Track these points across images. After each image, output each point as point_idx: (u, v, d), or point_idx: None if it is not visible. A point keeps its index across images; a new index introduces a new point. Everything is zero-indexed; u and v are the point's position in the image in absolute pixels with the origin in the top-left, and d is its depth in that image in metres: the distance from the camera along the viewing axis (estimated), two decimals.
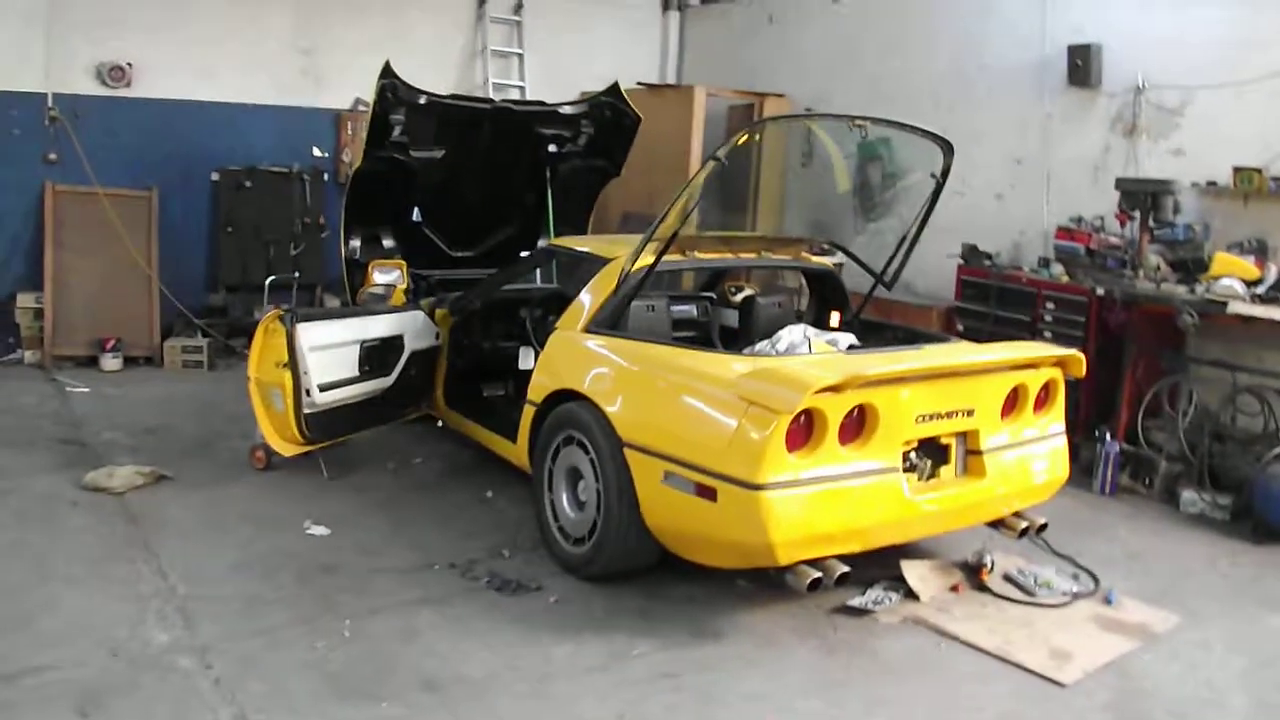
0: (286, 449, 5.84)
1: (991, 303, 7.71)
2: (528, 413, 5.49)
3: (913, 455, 4.77)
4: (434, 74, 9.27)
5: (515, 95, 10.03)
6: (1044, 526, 5.30)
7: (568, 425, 5.16)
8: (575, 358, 5.31)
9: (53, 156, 8.50)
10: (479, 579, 5.08)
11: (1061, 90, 7.91)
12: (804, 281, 6.63)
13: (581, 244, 6.25)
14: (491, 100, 8.11)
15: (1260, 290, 6.39)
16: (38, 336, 8.50)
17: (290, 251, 9.15)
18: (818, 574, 4.44)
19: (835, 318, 6.28)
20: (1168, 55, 7.28)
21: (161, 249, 8.77)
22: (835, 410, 4.37)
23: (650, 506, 4.72)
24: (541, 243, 7.79)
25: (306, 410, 5.72)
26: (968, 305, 7.91)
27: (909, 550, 5.34)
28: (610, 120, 8.02)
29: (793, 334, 5.72)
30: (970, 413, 4.84)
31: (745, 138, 5.00)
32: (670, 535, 4.75)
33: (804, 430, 4.37)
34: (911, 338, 5.84)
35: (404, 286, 7.04)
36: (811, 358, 4.85)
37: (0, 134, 8.42)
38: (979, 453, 4.93)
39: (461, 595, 4.92)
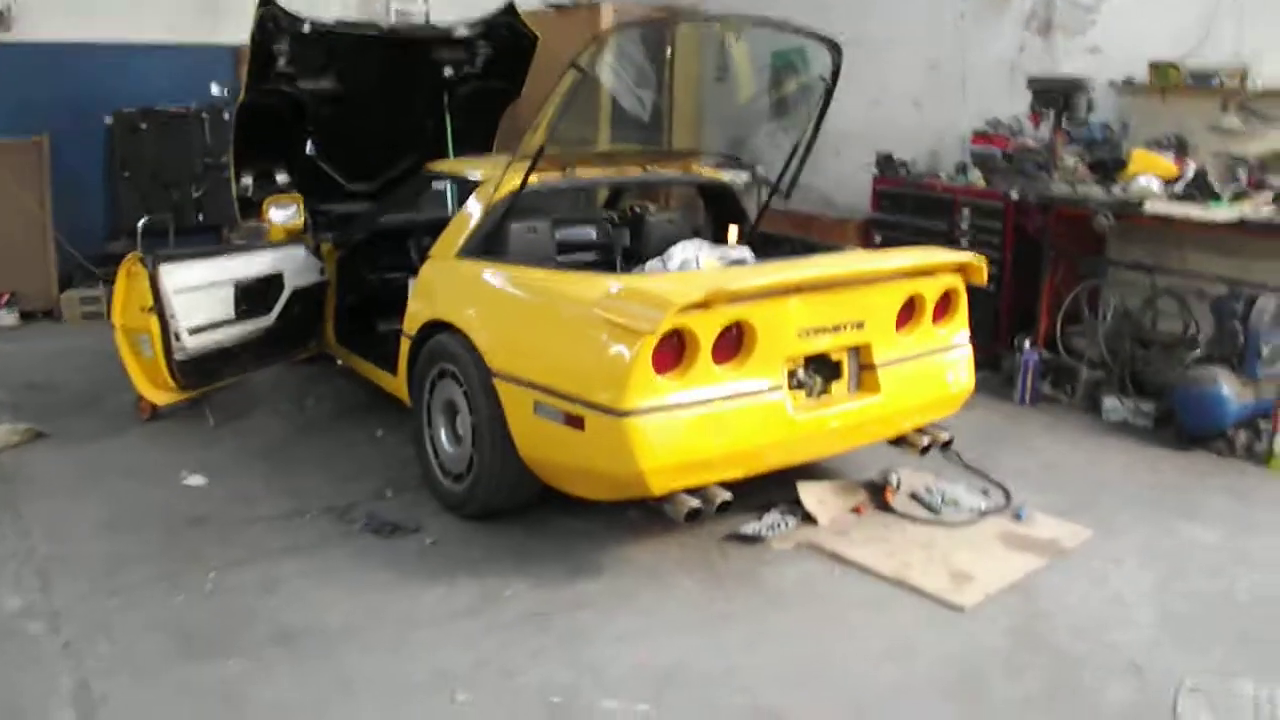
0: (161, 397, 5.44)
1: (907, 212, 7.33)
2: (404, 345, 5.11)
3: (800, 373, 4.41)
4: (334, 3, 8.70)
5: (419, 20, 9.45)
6: (949, 443, 4.97)
7: (441, 358, 4.78)
8: (446, 286, 4.92)
9: None
10: (355, 523, 4.77)
11: None
12: (699, 197, 6.18)
13: (460, 166, 5.80)
14: (379, 26, 7.57)
15: (1178, 188, 6.01)
16: None
17: (192, 193, 8.64)
18: (696, 503, 4.09)
19: (733, 232, 5.87)
20: None
21: (57, 198, 8.25)
22: (706, 328, 3.99)
23: (523, 439, 4.37)
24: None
25: (178, 356, 5.31)
26: (884, 216, 7.53)
27: (810, 471, 5.01)
28: (508, 41, 7.49)
29: (685, 250, 5.32)
30: (860, 325, 4.47)
31: (595, 46, 4.55)
32: (545, 468, 4.40)
33: (674, 351, 4.00)
34: (809, 249, 5.44)
35: (300, 221, 6.58)
36: (680, 274, 4.46)
37: None
38: (872, 367, 4.57)
39: (334, 541, 4.61)
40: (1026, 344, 6.46)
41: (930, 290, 4.70)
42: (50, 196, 8.17)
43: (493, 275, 4.72)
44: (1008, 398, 6.52)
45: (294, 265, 5.88)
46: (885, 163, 7.55)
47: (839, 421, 4.47)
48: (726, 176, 6.19)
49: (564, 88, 4.54)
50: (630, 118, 6.85)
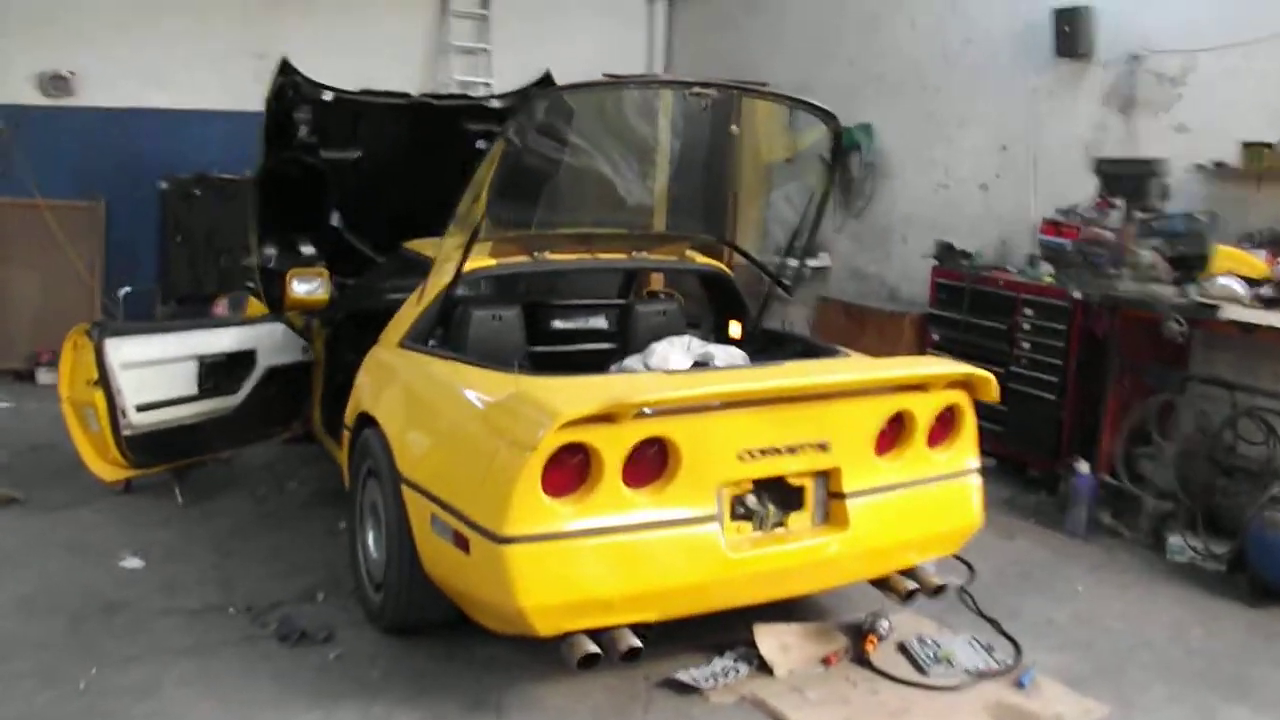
0: (108, 473, 5.14)
1: (966, 309, 6.50)
2: (344, 439, 4.63)
3: (750, 500, 3.72)
4: (397, 74, 8.50)
5: (483, 92, 9.18)
6: (940, 589, 4.16)
7: (366, 454, 4.31)
8: (375, 377, 4.47)
9: None
10: (268, 625, 4.33)
11: (1049, 62, 6.66)
12: (702, 286, 5.54)
13: (427, 246, 5.34)
14: (408, 94, 7.27)
15: (1266, 291, 5.06)
16: None
17: (242, 261, 8.48)
18: (593, 648, 3.44)
19: (736, 327, 5.22)
20: (1167, 14, 5.97)
21: (111, 260, 8.27)
22: (613, 446, 3.40)
23: (424, 554, 3.86)
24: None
25: (125, 432, 4.98)
26: (941, 312, 6.72)
27: (781, 609, 4.23)
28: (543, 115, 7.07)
29: (671, 346, 4.70)
30: (823, 447, 3.77)
31: (524, 114, 4.12)
32: (445, 588, 3.85)
33: (576, 470, 3.39)
34: (809, 352, 4.74)
35: (325, 295, 6.27)
36: (589, 380, 3.85)
37: None
38: (841, 496, 3.84)
39: (237, 645, 4.19)
40: (1083, 467, 5.54)
41: (923, 407, 3.96)
42: (102, 259, 8.16)
43: (409, 368, 4.25)
44: (1061, 526, 5.60)
45: (270, 343, 5.54)
46: (945, 252, 6.78)
47: (795, 560, 3.76)
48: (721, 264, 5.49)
49: (494, 157, 4.06)
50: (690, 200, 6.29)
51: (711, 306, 5.40)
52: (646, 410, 3.38)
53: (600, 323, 5.43)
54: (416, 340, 4.48)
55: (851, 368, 4.22)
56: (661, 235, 5.22)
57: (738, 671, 3.97)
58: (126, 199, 8.41)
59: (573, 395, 3.38)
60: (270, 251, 6.77)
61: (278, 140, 6.27)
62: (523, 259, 4.75)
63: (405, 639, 4.16)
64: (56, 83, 8.19)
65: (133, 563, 4.87)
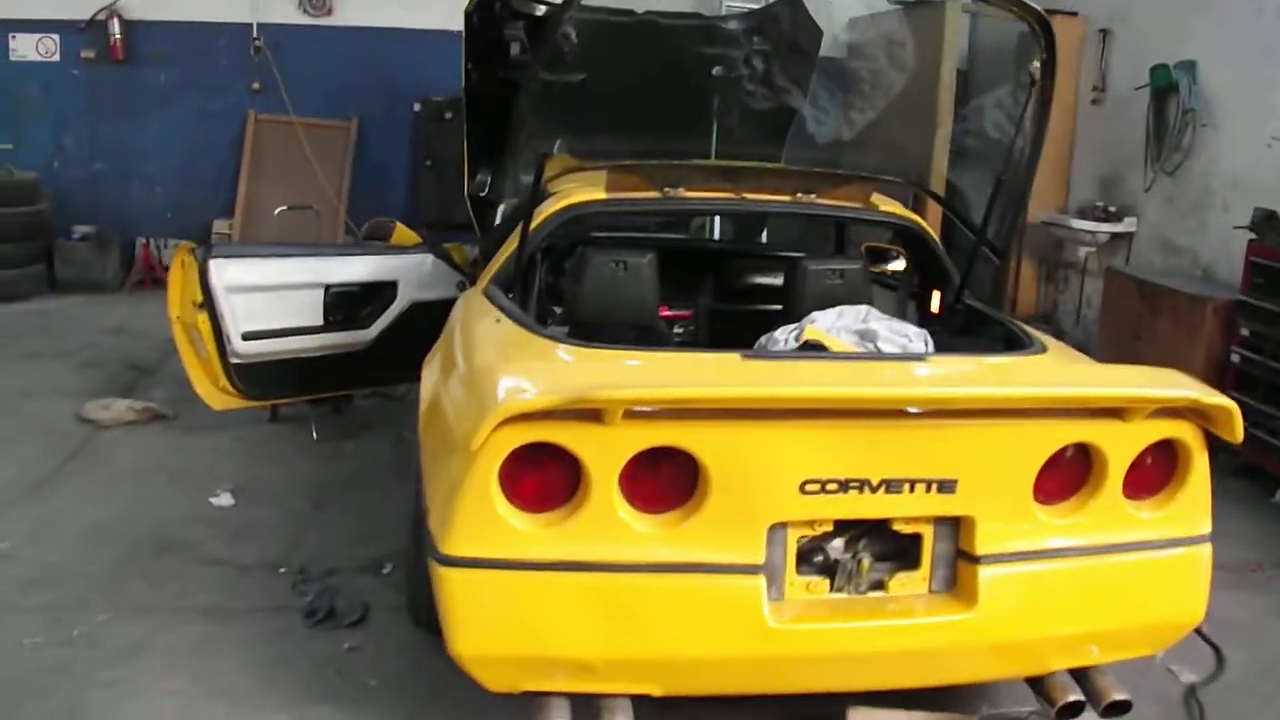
0: (218, 400, 4.68)
1: None
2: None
3: (833, 547, 2.56)
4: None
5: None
6: (1121, 705, 2.74)
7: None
8: (448, 324, 3.62)
9: (256, 86, 8.10)
10: (305, 595, 3.71)
11: None
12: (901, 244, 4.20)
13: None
14: (631, 11, 6.33)
15: None
16: None
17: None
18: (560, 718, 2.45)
19: (936, 299, 3.91)
20: None
21: (360, 182, 8.09)
22: (604, 453, 2.36)
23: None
24: None
25: (232, 360, 4.50)
26: (1256, 301, 4.90)
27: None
28: (787, 36, 5.91)
29: (837, 317, 3.52)
30: (947, 487, 2.50)
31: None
32: None
33: (561, 480, 2.40)
34: (1011, 343, 3.38)
35: None
36: (631, 359, 2.77)
37: (209, 64, 8.12)
38: (974, 559, 2.56)
39: (259, 614, 3.63)
40: None
41: (1117, 442, 2.57)
42: (349, 180, 7.97)
43: (464, 318, 3.39)
44: None
45: (416, 275, 4.85)
46: (1267, 223, 4.92)
47: (888, 642, 2.56)
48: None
49: None
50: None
51: (918, 270, 4.08)
52: (645, 409, 2.31)
53: (762, 280, 4.30)
54: (502, 285, 3.61)
55: (1006, 378, 2.85)
56: (839, 174, 3.95)
57: None
58: (379, 120, 8.22)
59: (534, 382, 2.36)
60: (483, 178, 6.14)
61: (484, 59, 5.59)
62: (647, 194, 3.74)
63: (430, 637, 3.31)
64: (316, 2, 8.03)
65: (223, 500, 4.47)
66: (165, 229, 8.26)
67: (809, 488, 2.42)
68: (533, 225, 3.62)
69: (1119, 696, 2.70)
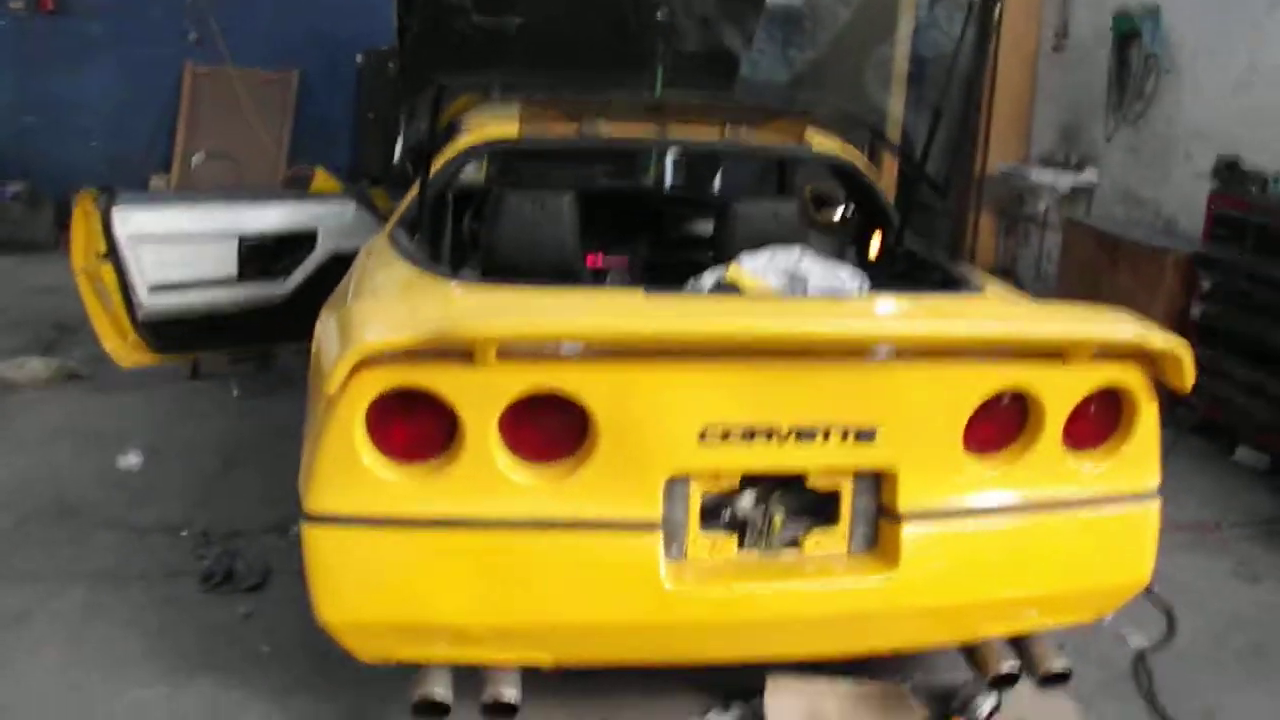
0: (126, 357, 4.38)
1: (1249, 251, 4.45)
2: None
3: (742, 503, 2.31)
4: None
5: None
6: (1057, 678, 2.51)
7: None
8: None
9: (193, 37, 7.67)
10: (205, 559, 3.46)
11: None
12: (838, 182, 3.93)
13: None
14: None
15: None
16: None
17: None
18: (439, 695, 2.21)
19: (876, 241, 3.65)
20: None
21: (302, 136, 7.74)
22: (478, 398, 2.11)
23: None
24: None
25: (140, 315, 4.21)
26: (1217, 254, 4.67)
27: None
28: None
29: (767, 260, 3.26)
30: (866, 436, 2.25)
31: None
32: None
33: (437, 427, 2.13)
34: (947, 284, 3.13)
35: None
36: (536, 298, 2.51)
37: (143, 14, 7.73)
38: (896, 516, 2.31)
39: (152, 580, 3.37)
40: None
41: (1055, 389, 2.33)
42: (290, 132, 7.62)
43: (360, 266, 3.11)
44: None
45: (337, 224, 4.54)
46: (1228, 173, 4.68)
47: (802, 606, 2.31)
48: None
49: None
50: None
51: (858, 211, 3.80)
52: (520, 348, 2.04)
53: (703, 228, 4.02)
54: (406, 228, 3.33)
55: (930, 314, 2.59)
56: (770, 109, 3.67)
57: None
58: (322, 73, 7.87)
59: (395, 320, 2.09)
60: (420, 126, 5.84)
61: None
62: (564, 130, 3.46)
63: None
64: None
65: (130, 461, 4.18)
66: (101, 185, 7.87)
67: (710, 436, 2.16)
68: (439, 164, 3.36)
69: (1058, 666, 2.48)
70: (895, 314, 2.57)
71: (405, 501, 2.13)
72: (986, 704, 2.70)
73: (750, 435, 2.18)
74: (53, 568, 3.37)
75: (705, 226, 4.21)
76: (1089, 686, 2.89)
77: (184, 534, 3.62)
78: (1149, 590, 3.39)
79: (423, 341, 1.96)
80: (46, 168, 7.79)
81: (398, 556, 2.14)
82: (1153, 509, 2.51)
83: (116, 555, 3.47)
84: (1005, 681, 2.48)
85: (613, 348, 2.09)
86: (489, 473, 2.14)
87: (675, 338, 2.10)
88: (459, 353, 2.04)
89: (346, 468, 2.11)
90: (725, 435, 2.17)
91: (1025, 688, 2.78)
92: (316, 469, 2.13)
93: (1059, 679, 2.48)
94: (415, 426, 2.14)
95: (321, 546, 2.14)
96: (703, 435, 2.17)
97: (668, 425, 2.16)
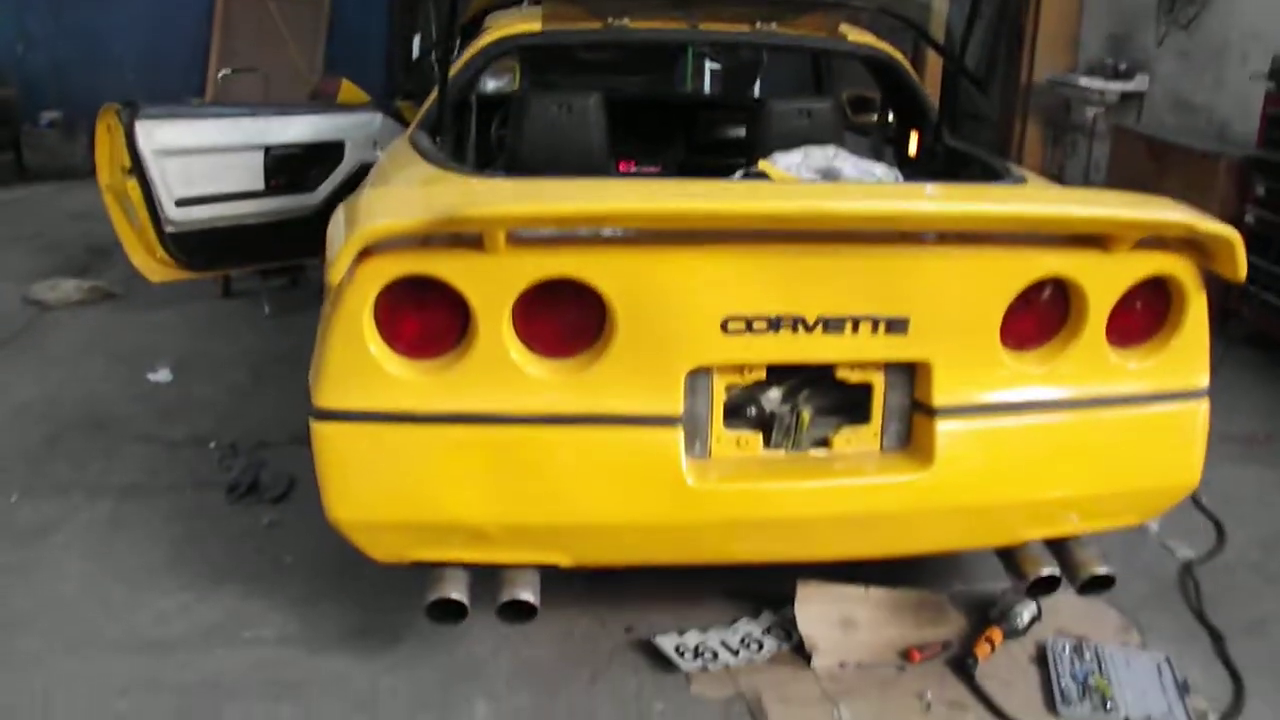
0: (155, 273, 4.33)
1: None
2: None
3: (769, 398, 2.21)
4: None
5: None
6: (1103, 580, 2.39)
7: None
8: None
9: None
10: (230, 469, 3.43)
11: None
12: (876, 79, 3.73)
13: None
14: None
15: None
16: None
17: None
18: (455, 594, 2.15)
19: (914, 140, 3.48)
20: None
21: (336, 55, 7.60)
22: (490, 287, 2.01)
23: None
24: None
25: (167, 229, 4.15)
26: (1272, 157, 4.42)
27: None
28: None
29: (801, 157, 3.11)
30: (897, 326, 2.13)
31: None
32: None
33: (448, 320, 2.04)
34: (988, 177, 2.96)
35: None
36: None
37: None
38: (930, 411, 2.20)
39: (180, 490, 3.35)
40: None
41: (1098, 278, 2.18)
42: (323, 52, 7.49)
43: (382, 163, 3.02)
44: None
45: (364, 135, 4.44)
46: None
47: (831, 505, 2.21)
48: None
49: None
50: None
51: (895, 109, 3.63)
52: (524, 233, 1.93)
53: (726, 128, 3.87)
54: (427, 130, 3.21)
55: (966, 197, 2.42)
56: (804, 2, 3.48)
57: (759, 647, 2.52)
58: None
59: (401, 205, 1.99)
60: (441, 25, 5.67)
61: None
62: (590, 25, 3.31)
63: None
64: None
65: (161, 376, 4.18)
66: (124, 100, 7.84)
67: (733, 325, 2.05)
68: (461, 62, 3.23)
69: (1100, 570, 2.35)
70: (927, 194, 2.42)
71: (417, 396, 2.05)
72: (1026, 613, 2.61)
73: (775, 325, 2.07)
74: (81, 481, 3.35)
75: (740, 131, 4.05)
76: (1134, 598, 2.77)
77: (212, 446, 3.59)
78: (1197, 502, 3.29)
79: (430, 224, 1.86)
80: (81, 96, 7.70)
81: (409, 453, 2.07)
82: (1201, 408, 2.36)
83: (144, 469, 3.45)
84: (1045, 587, 2.37)
85: (630, 230, 1.98)
86: (503, 365, 2.04)
87: (695, 215, 1.97)
88: (470, 239, 1.94)
89: (355, 361, 2.03)
90: (749, 325, 2.06)
91: (1066, 598, 2.70)
92: (325, 363, 2.05)
93: (1101, 585, 2.36)
94: (426, 319, 2.05)
95: (331, 443, 2.07)
96: (725, 325, 2.05)
97: (689, 314, 2.05)
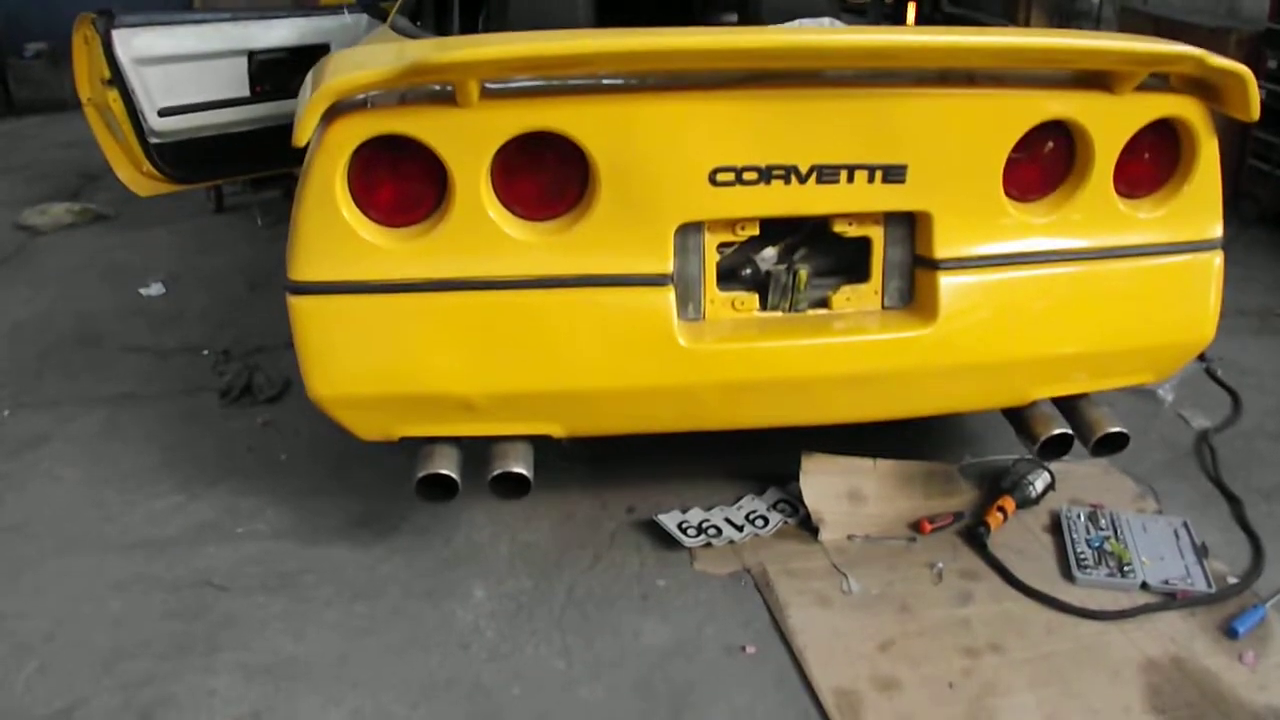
0: (142, 187, 4.18)
1: None
2: None
3: (764, 256, 2.10)
4: None
5: None
6: (1116, 439, 2.29)
7: None
8: None
9: None
10: (224, 375, 3.35)
11: None
12: None
13: None
14: None
15: None
16: None
17: None
18: (443, 469, 2.06)
19: (911, 11, 3.32)
20: None
21: None
22: (466, 144, 1.89)
23: None
24: None
25: (152, 140, 4.01)
26: None
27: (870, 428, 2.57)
28: None
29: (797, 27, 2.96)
30: (894, 174, 2.00)
31: None
32: None
33: (424, 183, 1.93)
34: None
35: None
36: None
37: None
38: (932, 264, 2.09)
39: (173, 397, 3.28)
40: None
41: (1104, 121, 2.05)
42: None
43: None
44: None
45: (350, 37, 4.26)
46: None
47: (832, 366, 2.11)
48: None
49: None
50: None
51: None
52: (498, 85, 1.81)
53: (721, 9, 3.69)
54: (408, 15, 3.07)
55: (966, 33, 2.25)
56: None
57: (764, 522, 2.45)
58: None
59: (388, 56, 1.86)
60: None
61: None
62: None
63: None
64: None
65: (154, 289, 4.10)
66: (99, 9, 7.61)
67: (721, 178, 1.93)
68: None
69: (1113, 428, 2.24)
70: (919, 31, 2.28)
71: (394, 264, 1.93)
72: (1039, 481, 2.52)
73: (767, 176, 1.95)
74: (74, 392, 3.28)
75: (733, 12, 3.89)
76: (1150, 467, 2.69)
77: (205, 353, 3.51)
78: (1212, 374, 3.19)
79: (398, 74, 1.72)
80: (67, 27, 7.44)
81: (390, 324, 1.96)
82: (1215, 260, 2.23)
83: (137, 378, 3.37)
84: (1056, 447, 2.26)
85: (612, 80, 1.85)
86: (483, 228, 1.93)
87: (671, 53, 1.82)
88: (443, 94, 1.82)
89: (330, 230, 1.91)
90: (739, 176, 1.93)
91: (1080, 467, 2.62)
92: (298, 234, 1.94)
93: (1114, 445, 2.26)
94: (401, 182, 1.92)
95: (308, 317, 1.96)
96: (714, 177, 1.93)
97: (675, 167, 1.92)
